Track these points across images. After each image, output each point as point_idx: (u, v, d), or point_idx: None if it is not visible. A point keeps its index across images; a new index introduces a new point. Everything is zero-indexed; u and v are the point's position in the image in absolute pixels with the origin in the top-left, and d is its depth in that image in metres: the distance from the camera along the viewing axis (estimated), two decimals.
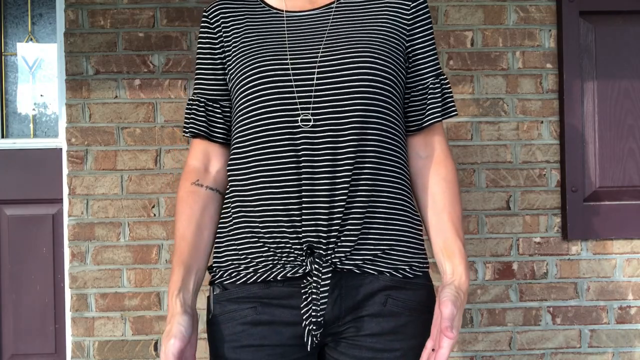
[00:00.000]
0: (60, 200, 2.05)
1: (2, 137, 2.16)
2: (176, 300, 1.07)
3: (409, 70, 1.16)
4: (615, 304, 2.02)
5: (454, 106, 1.18)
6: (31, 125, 2.19)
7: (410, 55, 1.15)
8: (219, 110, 1.18)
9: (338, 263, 1.03)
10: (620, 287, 2.02)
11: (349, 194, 1.03)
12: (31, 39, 2.19)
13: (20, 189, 2.07)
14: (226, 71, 1.16)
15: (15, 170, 2.07)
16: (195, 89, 1.20)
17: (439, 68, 1.18)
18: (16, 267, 2.07)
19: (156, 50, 1.99)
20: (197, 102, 1.19)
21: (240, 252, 1.08)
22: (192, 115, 1.19)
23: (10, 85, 2.19)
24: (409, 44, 1.14)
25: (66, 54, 1.98)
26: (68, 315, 1.99)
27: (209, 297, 1.11)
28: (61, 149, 2.04)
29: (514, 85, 2.02)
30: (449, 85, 1.18)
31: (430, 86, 1.16)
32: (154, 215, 1.97)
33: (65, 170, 1.99)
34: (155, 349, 1.97)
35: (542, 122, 2.02)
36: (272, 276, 1.04)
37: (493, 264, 2.00)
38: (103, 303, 1.96)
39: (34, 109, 2.19)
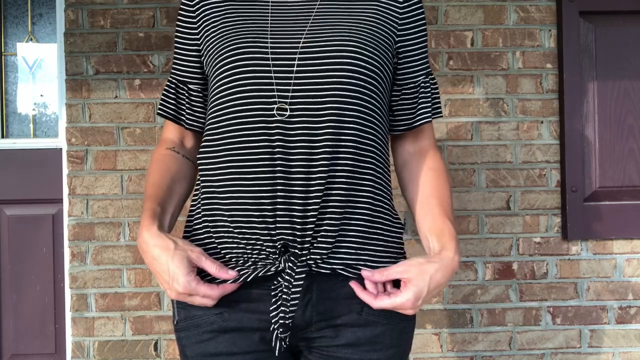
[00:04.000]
0: (60, 200, 2.05)
1: (2, 137, 2.16)
2: (150, 229, 1.00)
3: (400, 67, 1.11)
4: (615, 304, 2.02)
5: (440, 106, 1.17)
6: (31, 125, 2.19)
7: (401, 51, 1.10)
8: (186, 94, 1.14)
9: (313, 265, 0.98)
10: (620, 287, 2.02)
11: (325, 191, 0.97)
12: (31, 39, 2.19)
13: (20, 189, 2.07)
14: (202, 53, 1.10)
15: (15, 170, 2.07)
16: (171, 70, 1.17)
17: (429, 66, 1.15)
18: (16, 267, 2.07)
19: (156, 50, 1.99)
20: (169, 84, 1.16)
21: (208, 248, 1.02)
22: (163, 97, 1.16)
23: (10, 85, 2.19)
24: (399, 39, 1.09)
25: (66, 54, 1.98)
26: (68, 315, 1.99)
27: (173, 301, 1.05)
28: (61, 149, 2.04)
29: (514, 85, 2.02)
30: (436, 85, 1.16)
31: (422, 85, 1.13)
32: None
33: (65, 170, 1.99)
34: (155, 349, 1.97)
35: (542, 122, 2.02)
36: (242, 277, 0.98)
37: (493, 264, 2.00)
38: (103, 303, 1.96)
39: (34, 109, 2.19)
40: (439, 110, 1.16)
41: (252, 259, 0.99)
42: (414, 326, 1.09)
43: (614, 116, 2.03)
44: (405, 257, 1.09)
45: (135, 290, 1.96)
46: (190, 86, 1.15)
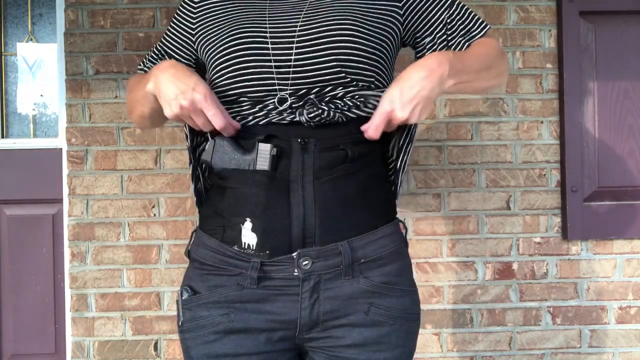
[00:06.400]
0: (60, 200, 2.05)
1: (2, 137, 2.16)
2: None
3: (419, 30, 1.10)
4: (615, 304, 2.02)
5: (483, 20, 1.13)
6: (31, 125, 2.19)
7: (413, 20, 1.09)
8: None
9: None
10: (620, 287, 2.02)
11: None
12: (31, 39, 2.19)
13: (20, 189, 2.07)
14: (196, 42, 1.12)
15: (15, 170, 2.07)
16: (158, 43, 1.20)
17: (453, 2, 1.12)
18: (16, 267, 2.07)
19: None
20: (154, 51, 1.20)
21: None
22: (145, 59, 1.21)
23: (10, 85, 2.19)
24: (405, 12, 1.08)
25: (66, 54, 1.98)
26: (68, 315, 1.99)
27: (178, 302, 1.06)
28: (61, 149, 2.04)
29: (514, 85, 2.02)
30: (466, 6, 1.12)
31: (447, 21, 1.10)
32: (154, 215, 1.97)
33: (65, 170, 1.99)
34: (155, 349, 1.97)
35: (542, 122, 2.02)
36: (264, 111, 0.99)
37: (493, 264, 2.00)
38: (103, 303, 1.96)
39: (34, 109, 2.19)
40: (484, 23, 1.12)
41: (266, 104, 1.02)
42: (419, 326, 1.09)
43: (614, 116, 2.03)
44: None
45: (135, 290, 1.96)
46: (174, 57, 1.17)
